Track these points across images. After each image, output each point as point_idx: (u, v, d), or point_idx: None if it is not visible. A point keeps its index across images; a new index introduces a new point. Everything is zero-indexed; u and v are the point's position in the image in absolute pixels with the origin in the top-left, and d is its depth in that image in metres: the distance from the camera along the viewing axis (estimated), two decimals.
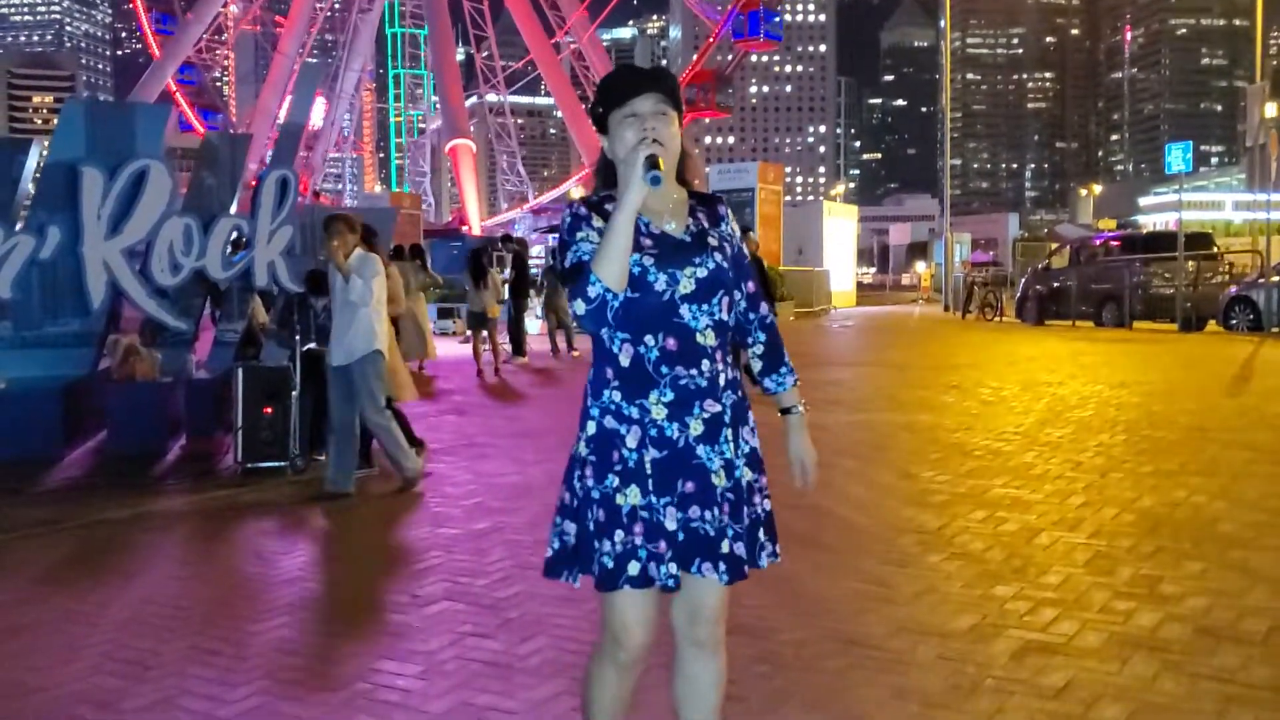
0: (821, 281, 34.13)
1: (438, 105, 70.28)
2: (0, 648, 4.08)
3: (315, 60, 66.34)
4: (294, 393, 7.63)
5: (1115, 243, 26.08)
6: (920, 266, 54.69)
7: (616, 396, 2.37)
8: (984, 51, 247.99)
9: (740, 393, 2.46)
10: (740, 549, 2.39)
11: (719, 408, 2.38)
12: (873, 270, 76.57)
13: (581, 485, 2.41)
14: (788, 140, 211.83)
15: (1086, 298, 23.35)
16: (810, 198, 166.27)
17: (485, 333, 14.90)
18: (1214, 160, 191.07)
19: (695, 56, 60.89)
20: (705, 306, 2.36)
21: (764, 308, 2.56)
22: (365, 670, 3.72)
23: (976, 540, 5.38)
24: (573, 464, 2.46)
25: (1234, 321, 20.38)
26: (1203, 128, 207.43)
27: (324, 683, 3.62)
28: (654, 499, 2.33)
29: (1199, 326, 21.22)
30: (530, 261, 26.56)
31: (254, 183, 9.71)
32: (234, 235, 9.19)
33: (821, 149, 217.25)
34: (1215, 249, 24.53)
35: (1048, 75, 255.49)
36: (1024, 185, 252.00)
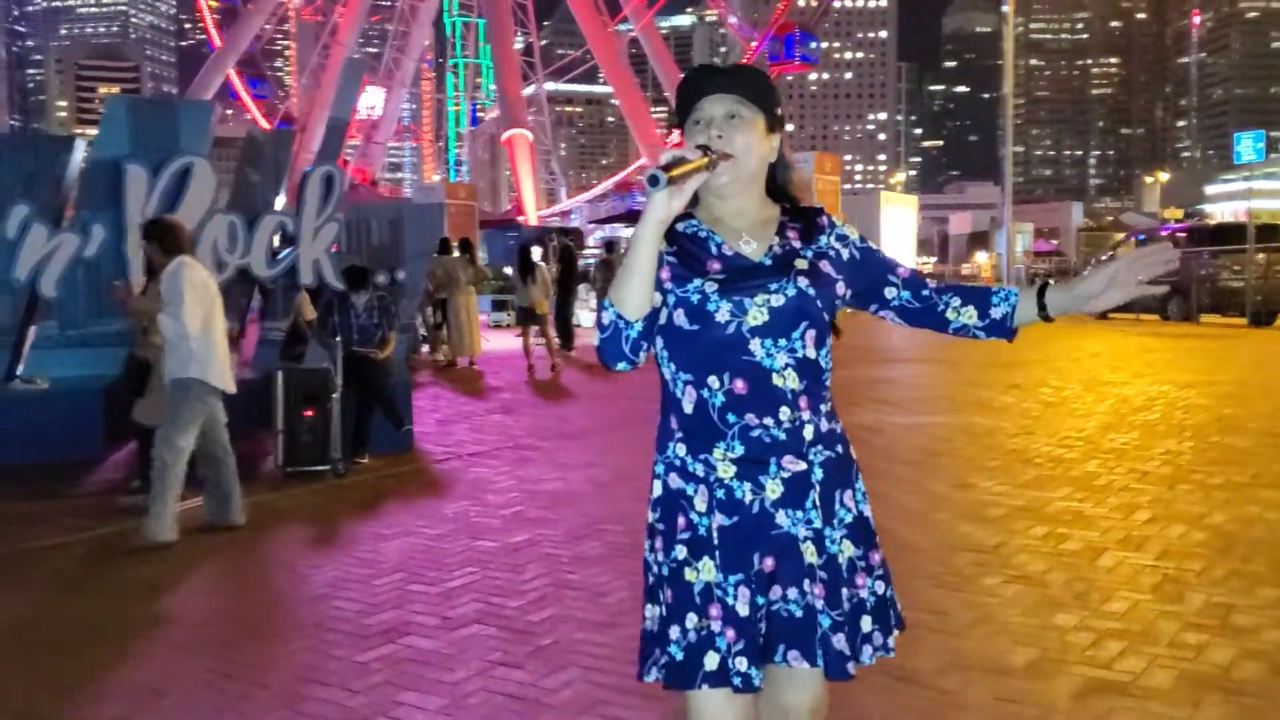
0: None
1: (495, 95, 70.42)
2: (12, 669, 3.98)
3: (360, 55, 66.67)
4: (335, 395, 7.52)
5: (1181, 234, 25.33)
6: (981, 256, 53.76)
7: (681, 450, 2.04)
8: (1048, 37, 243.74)
9: (841, 449, 2.09)
10: (840, 640, 1.99)
11: (802, 466, 2.00)
12: (933, 260, 75.60)
13: (654, 559, 2.06)
14: (847, 128, 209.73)
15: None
16: (870, 186, 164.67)
17: (536, 328, 14.76)
18: None
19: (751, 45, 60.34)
20: (783, 342, 1.99)
21: (931, 282, 2.19)
22: (386, 702, 3.55)
23: (1036, 560, 5.10)
24: (647, 532, 2.12)
25: None
26: (1274, 113, 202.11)
27: (341, 715, 3.46)
28: (721, 575, 1.98)
29: (1269, 321, 20.53)
30: (587, 252, 26.42)
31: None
32: (279, 232, 9.12)
33: (882, 136, 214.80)
34: None
35: (1113, 61, 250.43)
36: (1088, 173, 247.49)
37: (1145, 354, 15.11)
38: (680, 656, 1.96)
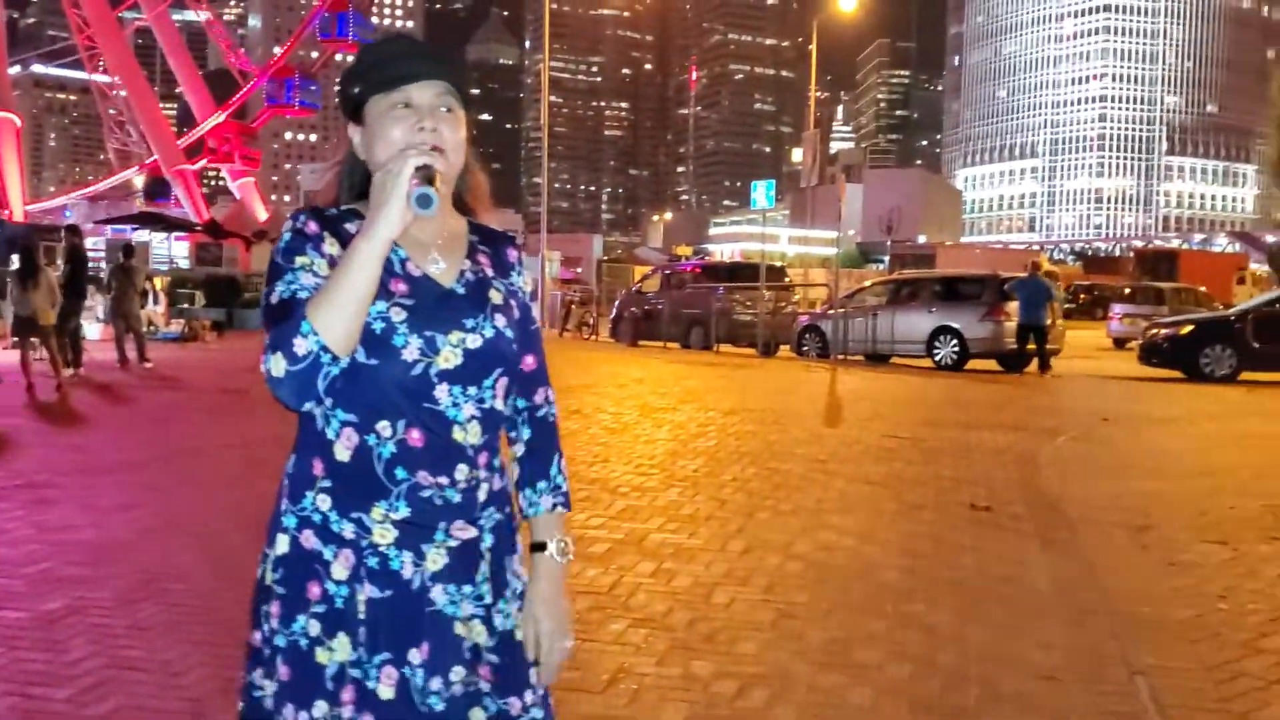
0: None
1: None
2: None
3: None
4: None
5: (696, 270, 27.45)
6: None
7: (324, 504, 1.65)
8: (566, 76, 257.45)
9: (508, 509, 1.79)
10: None
11: (473, 533, 1.70)
12: None
13: (266, 627, 1.68)
14: None
15: (676, 321, 24.25)
16: None
17: (36, 341, 12.77)
18: None
19: (280, 51, 57.78)
20: (473, 390, 1.67)
21: (541, 394, 1.85)
22: None
23: (654, 601, 4.92)
24: (258, 592, 1.68)
25: (805, 348, 21.90)
26: (754, 165, 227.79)
27: None
28: (364, 654, 1.63)
29: (775, 352, 22.65)
30: (90, 256, 23.63)
31: None
32: None
33: None
34: (788, 279, 26.48)
35: (624, 105, 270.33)
36: (601, 208, 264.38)
37: (682, 380, 15.94)
38: None
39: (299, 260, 1.63)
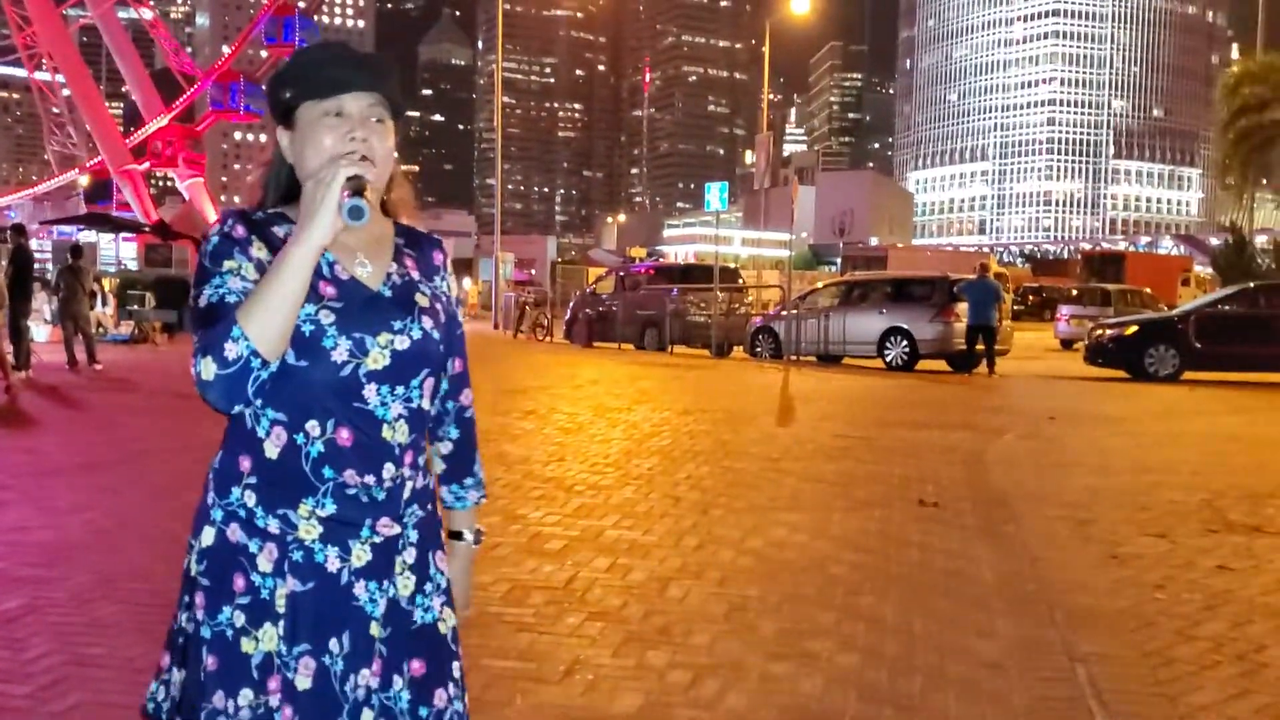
0: None
1: None
2: None
3: None
4: None
5: (650, 271, 27.60)
6: (466, 283, 55.17)
7: (251, 499, 1.70)
8: (519, 77, 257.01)
9: (430, 506, 1.86)
10: None
11: (396, 529, 1.75)
12: None
13: (190, 617, 1.73)
14: None
15: (630, 322, 24.37)
16: None
17: None
18: None
19: (228, 52, 57.12)
20: (401, 390, 1.73)
21: (466, 396, 1.94)
22: None
23: (610, 595, 5.01)
24: (184, 583, 1.75)
25: (758, 349, 22.09)
26: (708, 167, 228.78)
27: None
28: (285, 645, 1.68)
29: (728, 353, 22.82)
30: (36, 257, 23.36)
31: None
32: None
33: None
34: (741, 281, 26.67)
35: (577, 106, 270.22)
36: (555, 209, 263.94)
37: (636, 381, 16.05)
38: None
39: (227, 264, 1.67)
